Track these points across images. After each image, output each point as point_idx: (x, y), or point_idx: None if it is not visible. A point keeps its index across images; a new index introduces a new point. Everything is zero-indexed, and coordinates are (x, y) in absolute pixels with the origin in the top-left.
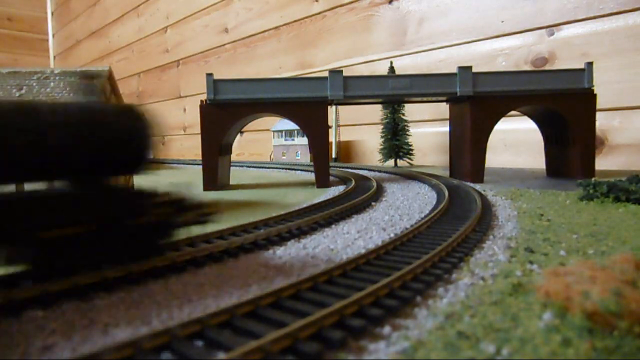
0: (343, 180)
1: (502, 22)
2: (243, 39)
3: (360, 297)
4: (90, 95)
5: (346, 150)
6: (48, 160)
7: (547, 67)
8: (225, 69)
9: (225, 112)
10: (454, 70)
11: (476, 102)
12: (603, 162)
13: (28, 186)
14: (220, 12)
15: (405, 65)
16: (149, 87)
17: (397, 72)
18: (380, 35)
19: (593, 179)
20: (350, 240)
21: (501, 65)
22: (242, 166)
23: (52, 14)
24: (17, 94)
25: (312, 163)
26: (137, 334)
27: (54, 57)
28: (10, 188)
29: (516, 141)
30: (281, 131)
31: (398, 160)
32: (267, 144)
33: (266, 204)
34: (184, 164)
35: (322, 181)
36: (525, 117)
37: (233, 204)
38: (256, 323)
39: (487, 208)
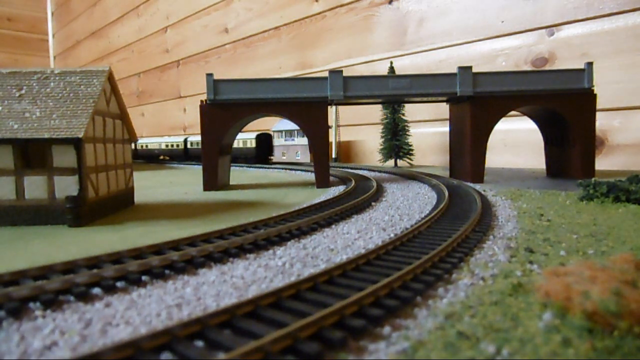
0: (343, 180)
1: (502, 22)
2: (243, 39)
3: (360, 297)
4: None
5: (346, 151)
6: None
7: (547, 67)
8: (226, 69)
9: (226, 112)
10: (454, 70)
11: (476, 102)
12: (603, 162)
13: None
14: (220, 12)
15: (405, 65)
16: (149, 87)
17: (397, 72)
18: (380, 35)
19: (593, 179)
20: (350, 241)
21: (501, 65)
22: (242, 166)
23: (52, 14)
24: (17, 94)
25: (312, 163)
26: (137, 334)
27: (54, 57)
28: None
29: (516, 141)
30: (281, 131)
31: (398, 160)
32: None
33: (266, 204)
34: (184, 163)
35: (322, 181)
36: (525, 117)
37: (233, 204)
38: (256, 323)
39: (487, 208)
